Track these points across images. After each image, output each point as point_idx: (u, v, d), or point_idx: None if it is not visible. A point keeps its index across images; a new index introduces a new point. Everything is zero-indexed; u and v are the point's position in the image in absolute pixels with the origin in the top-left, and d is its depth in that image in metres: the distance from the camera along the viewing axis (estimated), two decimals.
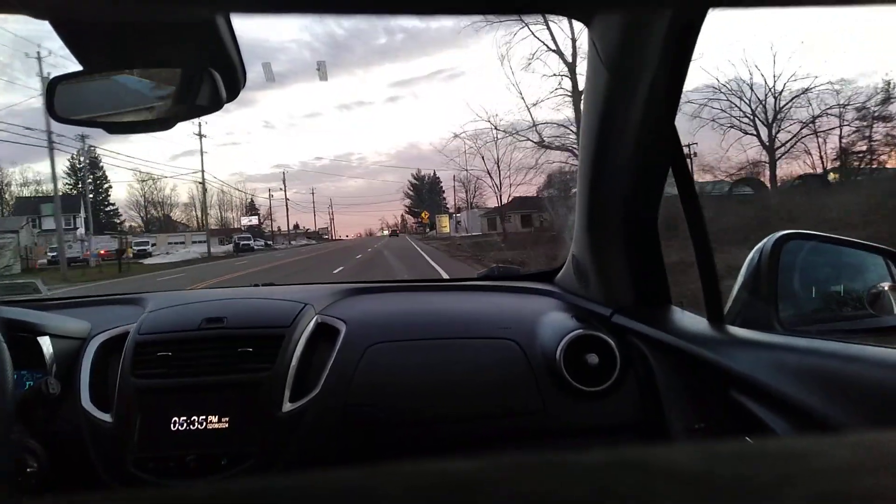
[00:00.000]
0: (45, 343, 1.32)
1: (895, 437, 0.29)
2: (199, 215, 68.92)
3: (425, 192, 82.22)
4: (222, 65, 0.64)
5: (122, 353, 1.32)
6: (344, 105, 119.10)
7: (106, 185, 61.60)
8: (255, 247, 49.32)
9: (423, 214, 58.85)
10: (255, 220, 68.54)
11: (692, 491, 0.23)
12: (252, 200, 78.21)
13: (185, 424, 1.23)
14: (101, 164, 58.97)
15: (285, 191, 71.05)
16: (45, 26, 0.54)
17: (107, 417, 1.26)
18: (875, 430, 0.30)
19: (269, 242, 61.85)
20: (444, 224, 55.41)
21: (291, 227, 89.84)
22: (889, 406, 0.70)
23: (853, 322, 1.08)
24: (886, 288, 1.05)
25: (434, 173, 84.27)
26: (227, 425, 1.24)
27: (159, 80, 0.69)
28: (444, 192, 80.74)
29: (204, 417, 1.24)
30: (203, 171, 42.33)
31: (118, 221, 62.22)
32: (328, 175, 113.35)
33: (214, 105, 0.67)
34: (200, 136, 37.77)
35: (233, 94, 0.68)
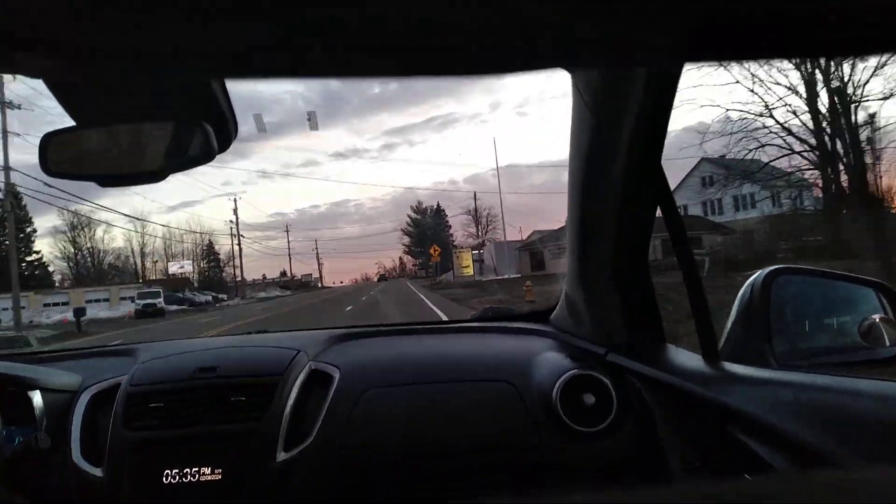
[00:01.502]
0: (35, 397, 1.30)
1: (871, 475, 0.29)
2: (138, 262, 58.87)
3: (427, 228, 69.78)
4: (213, 117, 0.66)
5: (113, 405, 1.30)
6: (339, 154, 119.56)
7: (28, 230, 48.20)
8: (171, 307, 36.16)
9: (431, 250, 41.94)
10: (187, 267, 56.45)
11: None
12: (210, 242, 63.94)
13: (177, 477, 1.21)
14: (23, 202, 41.78)
15: (237, 225, 53.85)
16: (39, 84, 0.55)
17: (98, 472, 1.24)
18: (850, 471, 0.30)
19: (219, 296, 48.08)
20: (466, 262, 39.28)
21: (277, 275, 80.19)
22: (885, 438, 0.70)
23: (847, 355, 1.08)
24: (878, 320, 1.06)
25: (437, 205, 73.75)
26: (220, 477, 1.21)
27: (151, 133, 0.70)
28: (449, 226, 70.35)
29: (197, 469, 1.21)
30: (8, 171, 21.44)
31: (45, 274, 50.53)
32: (325, 222, 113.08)
33: (206, 156, 0.68)
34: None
35: (224, 145, 0.69)
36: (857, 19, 0.23)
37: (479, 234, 52.03)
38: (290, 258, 74.64)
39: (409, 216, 75.55)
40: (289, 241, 74.14)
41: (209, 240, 64.24)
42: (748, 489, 0.29)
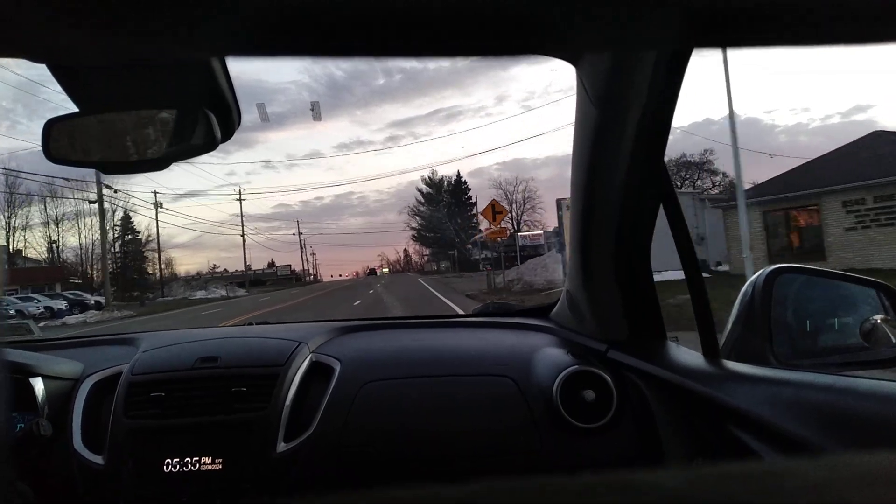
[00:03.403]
0: (38, 384, 1.31)
1: (868, 458, 0.29)
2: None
3: (443, 205, 55.49)
4: (217, 105, 0.66)
5: (115, 393, 1.31)
6: (344, 145, 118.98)
7: None
8: None
9: (485, 212, 19.56)
10: None
11: None
12: (126, 216, 42.73)
13: (178, 466, 1.21)
14: None
15: (99, 187, 31.85)
16: (44, 70, 0.55)
17: (99, 459, 1.25)
18: (849, 452, 0.30)
19: (94, 300, 32.05)
20: None
21: (265, 266, 66.79)
22: (885, 438, 0.70)
23: (848, 355, 1.08)
24: (879, 320, 1.06)
25: (458, 175, 59.28)
26: (220, 466, 1.22)
27: (154, 121, 0.70)
28: (473, 203, 57.46)
29: (197, 459, 1.22)
30: None
31: None
32: (329, 214, 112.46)
33: (209, 145, 0.68)
34: None
35: (227, 134, 0.70)
36: (871, 5, 0.23)
37: (515, 214, 42.57)
38: (245, 246, 58.34)
39: (418, 190, 61.25)
40: (243, 226, 57.73)
41: (124, 213, 41.62)
42: (732, 473, 0.29)
